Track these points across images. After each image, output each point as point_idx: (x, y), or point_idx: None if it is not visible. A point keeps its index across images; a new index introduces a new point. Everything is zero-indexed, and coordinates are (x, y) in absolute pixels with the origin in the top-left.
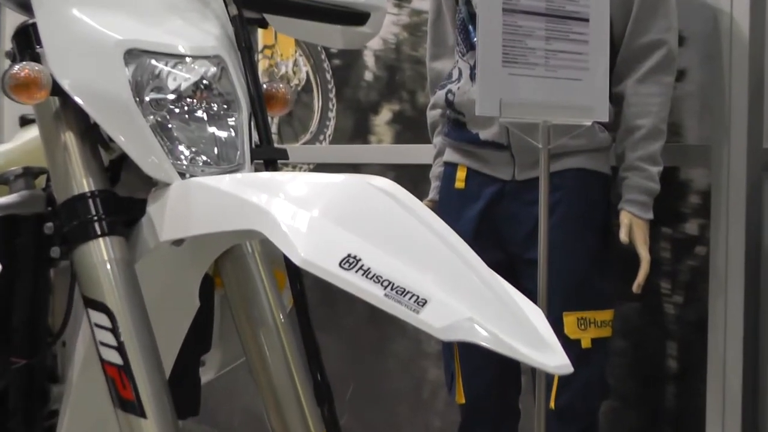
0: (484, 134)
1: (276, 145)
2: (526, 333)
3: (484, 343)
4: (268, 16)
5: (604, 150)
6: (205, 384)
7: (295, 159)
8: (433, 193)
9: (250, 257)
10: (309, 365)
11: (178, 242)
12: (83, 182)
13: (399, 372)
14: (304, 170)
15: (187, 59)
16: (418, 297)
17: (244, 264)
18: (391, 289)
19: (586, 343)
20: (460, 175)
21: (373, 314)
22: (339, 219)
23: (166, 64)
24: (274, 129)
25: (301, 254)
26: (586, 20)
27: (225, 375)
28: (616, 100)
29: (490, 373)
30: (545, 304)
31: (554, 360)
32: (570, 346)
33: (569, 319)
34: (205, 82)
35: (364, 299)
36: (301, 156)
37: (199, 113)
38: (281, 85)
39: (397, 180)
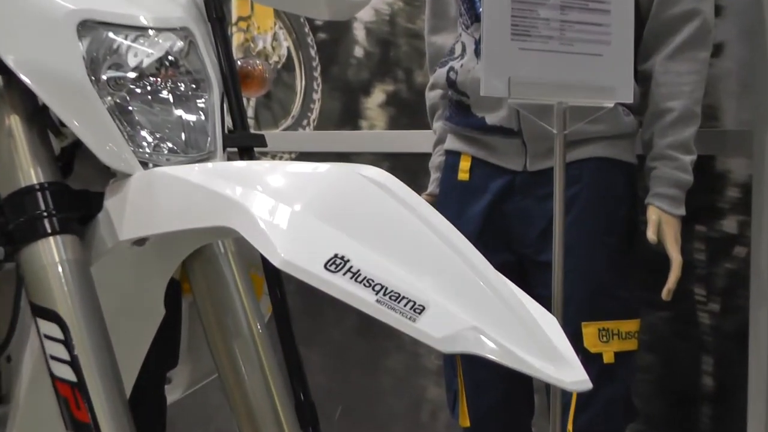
0: (491, 118)
1: (252, 130)
2: (538, 344)
3: (490, 356)
4: None
5: (628, 136)
6: (172, 404)
7: (275, 147)
8: (432, 186)
9: (222, 259)
10: (291, 383)
11: (140, 242)
12: (31, 173)
13: (394, 390)
14: (285, 159)
15: (150, 32)
16: (414, 303)
17: (215, 266)
18: (384, 294)
19: (608, 358)
20: (464, 165)
21: (365, 324)
22: (324, 214)
23: (125, 38)
24: (250, 113)
25: (281, 255)
26: None
27: (194, 394)
28: (643, 78)
29: (498, 391)
30: (561, 313)
31: (571, 375)
32: (590, 361)
33: (589, 331)
34: (170, 58)
35: (353, 306)
36: (282, 143)
37: (164, 94)
38: (258, 63)
39: (392, 171)
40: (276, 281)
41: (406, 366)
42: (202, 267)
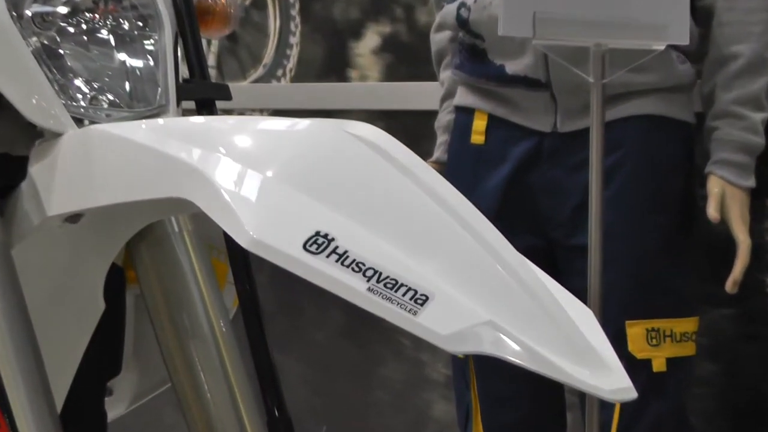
0: (513, 66)
1: (214, 81)
2: (570, 343)
3: (510, 358)
4: None
5: (684, 89)
6: (114, 421)
7: (242, 103)
8: (438, 152)
9: (176, 240)
10: (262, 395)
11: (74, 218)
12: None
13: (392, 406)
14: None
15: None
16: (416, 292)
17: (167, 250)
18: (378, 281)
19: (659, 365)
20: (479, 125)
21: (355, 322)
22: (303, 182)
23: None
24: (210, 60)
25: (250, 233)
26: None
27: (142, 409)
28: (702, 17)
29: (520, 406)
30: (599, 309)
31: (611, 381)
32: (636, 369)
33: (635, 331)
34: None
35: (339, 296)
36: (251, 99)
37: (103, 34)
38: None
39: (389, 133)
40: (244, 267)
41: (407, 376)
42: (150, 250)
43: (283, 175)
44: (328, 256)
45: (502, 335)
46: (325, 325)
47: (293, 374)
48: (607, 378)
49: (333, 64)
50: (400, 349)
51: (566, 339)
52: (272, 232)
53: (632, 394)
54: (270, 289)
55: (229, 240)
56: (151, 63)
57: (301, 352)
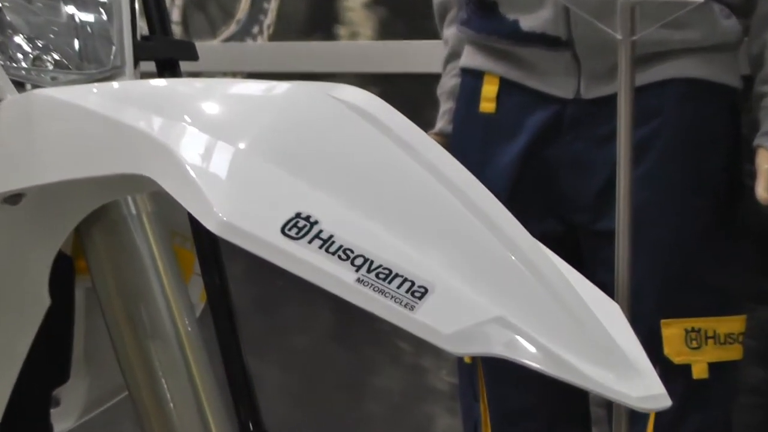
0: (529, 22)
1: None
2: (594, 344)
3: (525, 360)
4: None
5: (729, 48)
6: None
7: (211, 65)
8: (442, 122)
9: (134, 224)
10: (235, 407)
11: (14, 198)
12: None
13: (387, 421)
14: None
15: None
16: (413, 284)
17: (123, 236)
18: (369, 271)
19: (699, 371)
20: (489, 91)
21: (344, 321)
22: (282, 156)
23: None
24: (175, 15)
25: (220, 215)
26: None
27: (94, 421)
28: None
29: (538, 418)
30: (629, 304)
31: (641, 387)
32: (673, 376)
33: (672, 332)
34: None
35: (324, 289)
36: (222, 60)
37: None
38: None
39: (384, 99)
40: (212, 256)
41: (405, 385)
42: (104, 237)
43: (259, 148)
44: (310, 242)
45: (514, 334)
46: (309, 326)
47: (271, 383)
48: (636, 383)
49: (318, 20)
50: (398, 354)
51: (589, 338)
52: (245, 214)
53: (665, 402)
54: (244, 282)
55: (195, 224)
56: (104, 17)
57: (281, 357)
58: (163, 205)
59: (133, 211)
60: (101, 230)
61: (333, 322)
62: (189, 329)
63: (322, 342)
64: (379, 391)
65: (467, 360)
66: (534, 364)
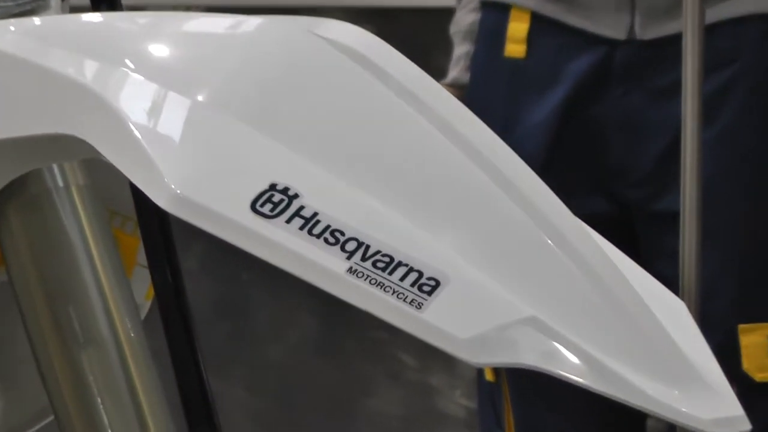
0: None
1: None
2: (654, 353)
3: (566, 374)
4: None
5: None
6: None
7: None
8: (457, 70)
9: (60, 200)
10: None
11: None
12: None
13: None
14: None
15: None
16: (420, 275)
17: (47, 215)
18: (364, 258)
19: None
20: (517, 30)
21: (331, 327)
22: (251, 111)
23: None
24: None
25: (172, 186)
26: None
27: None
28: None
29: None
30: (696, 304)
31: (713, 408)
32: (755, 395)
33: (752, 340)
34: None
35: (306, 282)
36: None
37: None
38: None
39: (381, 39)
40: (162, 242)
41: (408, 410)
42: (22, 217)
43: (222, 100)
44: (288, 221)
45: (550, 339)
46: (284, 332)
47: (237, 404)
48: (707, 402)
49: None
50: (399, 369)
51: (647, 346)
52: (205, 186)
53: (744, 425)
54: (202, 276)
55: (140, 199)
56: None
57: (249, 372)
58: (99, 175)
59: (60, 184)
60: (18, 208)
61: (315, 328)
62: (132, 335)
63: (302, 353)
64: (375, 417)
65: (489, 376)
66: (576, 378)
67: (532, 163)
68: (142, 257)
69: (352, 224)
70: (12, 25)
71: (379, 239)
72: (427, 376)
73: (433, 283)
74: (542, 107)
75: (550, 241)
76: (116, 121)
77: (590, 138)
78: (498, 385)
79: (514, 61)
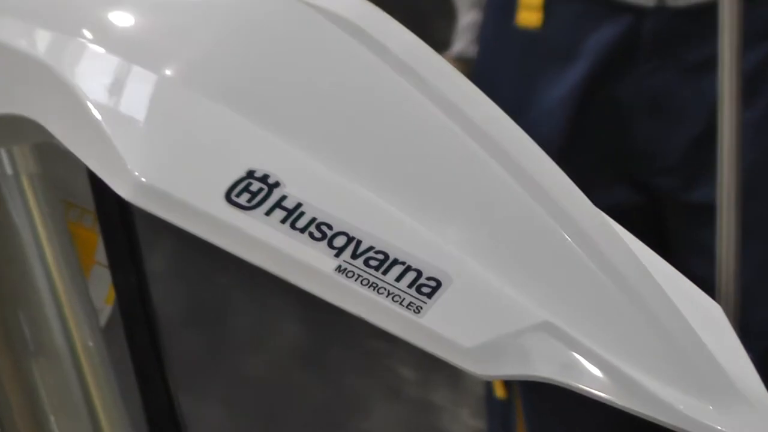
0: None
1: None
2: (684, 363)
3: (587, 388)
4: None
5: None
6: None
7: None
8: (463, 41)
9: (9, 191)
10: None
11: None
12: None
13: None
14: None
15: None
16: (419, 274)
17: None
18: (354, 256)
19: None
20: None
21: (318, 337)
22: (227, 88)
23: None
24: None
25: (136, 174)
26: None
27: None
28: None
29: None
30: (735, 307)
31: (755, 428)
32: None
33: None
34: None
35: (288, 284)
36: None
37: None
38: None
39: (377, 6)
40: (125, 238)
41: (408, 430)
42: None
43: (193, 76)
44: (268, 213)
45: (568, 348)
46: (265, 342)
47: (211, 425)
48: (745, 420)
49: None
50: (396, 384)
51: (678, 356)
52: (173, 173)
53: None
54: (172, 278)
55: (100, 189)
56: None
57: (227, 389)
58: (53, 162)
59: (8, 172)
60: None
61: (301, 337)
62: (89, 345)
63: (286, 366)
64: None
65: (499, 392)
66: (599, 393)
67: (548, 149)
68: (101, 255)
69: (341, 217)
70: None
71: (371, 234)
72: (429, 392)
73: (433, 283)
74: (560, 85)
75: (567, 237)
76: (72, 99)
77: (614, 120)
78: (510, 402)
79: (527, 32)
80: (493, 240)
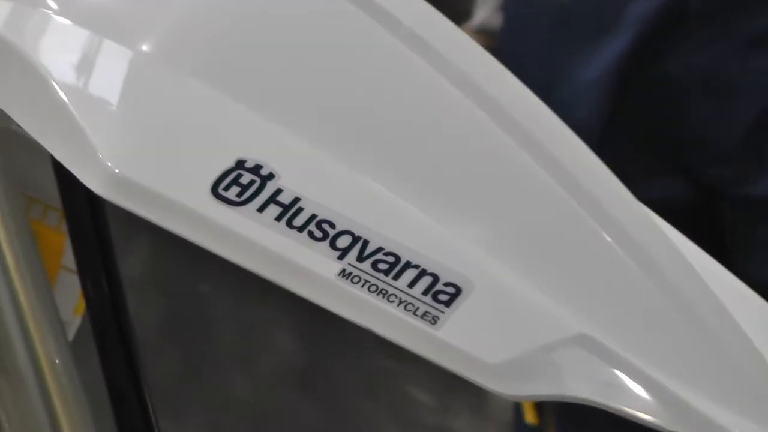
0: None
1: None
2: (747, 384)
3: (632, 410)
4: None
5: None
6: None
7: None
8: (485, 11)
9: None
10: None
11: None
12: None
13: None
14: None
15: None
16: (436, 279)
17: None
18: (360, 258)
19: None
20: None
21: (319, 352)
22: (212, 64)
23: None
24: None
25: (109, 165)
26: None
27: None
28: None
29: None
30: None
31: None
32: None
33: None
34: None
35: (284, 291)
36: None
37: None
38: None
39: None
40: (96, 239)
41: None
42: None
43: (173, 51)
44: (261, 209)
45: (609, 365)
46: (258, 360)
47: None
48: None
49: None
50: (410, 407)
51: (734, 373)
52: (151, 163)
53: None
54: (150, 286)
55: (67, 183)
56: None
57: (211, 413)
58: (13, 151)
59: None
60: None
61: (296, 353)
62: (56, 362)
63: (279, 387)
64: None
65: (529, 416)
66: (644, 416)
67: (583, 134)
68: (69, 259)
69: (344, 213)
70: None
71: (380, 233)
72: (447, 418)
73: (452, 290)
74: (596, 61)
75: (606, 236)
76: (35, 78)
77: (659, 101)
78: (542, 429)
79: (556, 3)
80: (520, 240)
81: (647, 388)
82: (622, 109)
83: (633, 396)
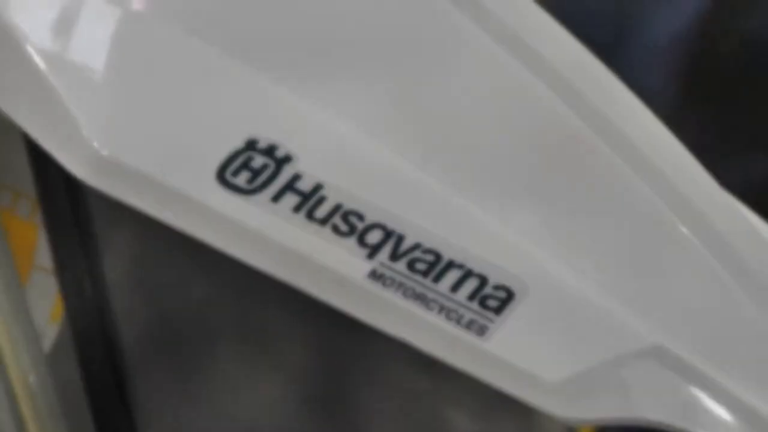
0: None
1: None
2: None
3: None
4: None
5: None
6: None
7: None
8: None
9: None
10: None
11: None
12: None
13: None
14: None
15: None
16: (483, 282)
17: None
18: (393, 257)
19: None
20: None
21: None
22: (216, 24)
23: None
24: None
25: (94, 145)
26: None
27: None
28: None
29: None
30: None
31: None
32: None
33: None
34: None
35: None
36: None
37: None
38: None
39: None
40: (76, 233)
41: None
42: None
43: (171, 7)
44: (276, 198)
45: (688, 383)
46: (263, 377)
47: None
48: None
49: None
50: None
51: None
52: (144, 143)
53: None
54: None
55: (42, 167)
56: None
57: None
58: None
59: None
60: None
61: (309, 371)
62: (30, 380)
63: (287, 409)
64: None
65: None
66: None
67: (654, 105)
68: (44, 256)
69: (376, 203)
70: None
71: (418, 227)
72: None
73: (503, 294)
74: (669, 17)
75: (685, 230)
76: (6, 42)
77: (747, 65)
78: None
79: None
80: (582, 235)
81: (732, 411)
82: (698, 79)
83: (716, 419)
